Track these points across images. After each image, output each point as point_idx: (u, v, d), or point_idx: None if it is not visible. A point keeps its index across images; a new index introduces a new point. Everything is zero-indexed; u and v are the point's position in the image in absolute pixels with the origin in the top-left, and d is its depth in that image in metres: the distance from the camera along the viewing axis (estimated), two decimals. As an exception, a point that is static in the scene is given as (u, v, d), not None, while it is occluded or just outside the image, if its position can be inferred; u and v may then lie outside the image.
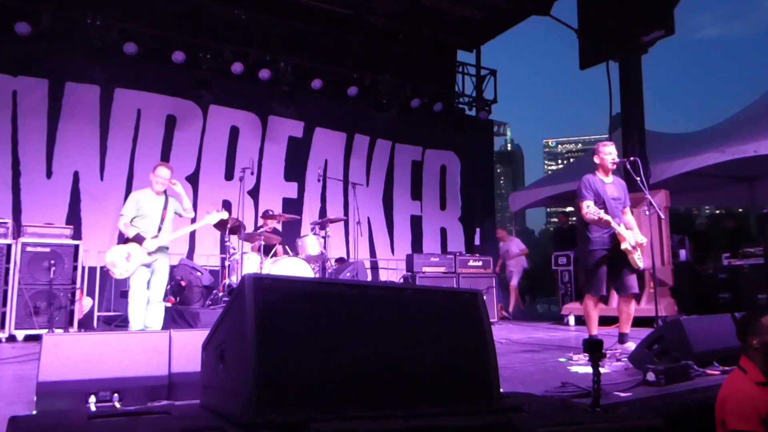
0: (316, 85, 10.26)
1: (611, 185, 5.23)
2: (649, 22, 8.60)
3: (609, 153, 5.22)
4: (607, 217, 4.89)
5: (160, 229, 5.72)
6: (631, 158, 5.41)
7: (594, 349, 2.27)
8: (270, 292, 1.80)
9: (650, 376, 3.59)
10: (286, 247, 8.09)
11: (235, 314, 1.90)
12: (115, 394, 2.91)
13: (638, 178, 5.24)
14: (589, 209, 4.92)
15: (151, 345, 3.09)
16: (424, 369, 1.99)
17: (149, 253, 5.59)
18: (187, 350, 3.06)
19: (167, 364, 3.05)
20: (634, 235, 5.13)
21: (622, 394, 3.33)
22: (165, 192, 5.90)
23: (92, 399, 2.87)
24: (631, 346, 4.99)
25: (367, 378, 1.89)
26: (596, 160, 5.31)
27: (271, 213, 8.41)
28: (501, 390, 2.44)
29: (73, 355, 2.94)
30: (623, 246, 4.97)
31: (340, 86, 10.63)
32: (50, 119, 8.62)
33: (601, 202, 5.11)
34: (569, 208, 12.90)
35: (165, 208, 5.83)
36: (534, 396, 2.77)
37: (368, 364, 1.89)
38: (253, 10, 10.06)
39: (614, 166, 5.25)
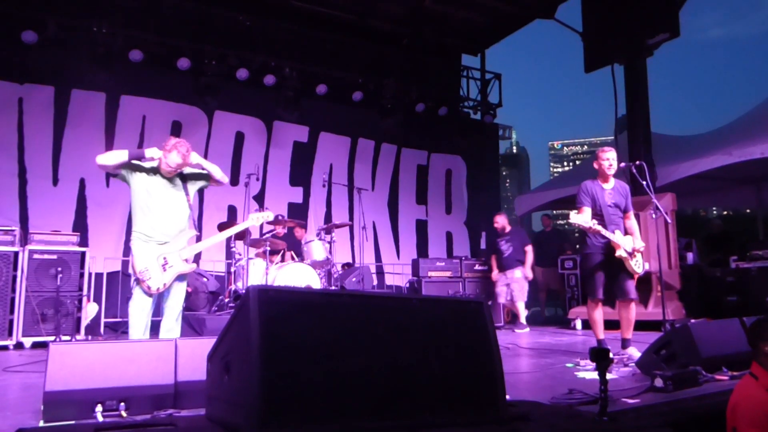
0: (320, 90, 10.28)
1: (610, 191, 5.21)
2: (654, 24, 8.58)
3: (606, 159, 5.19)
4: (597, 227, 4.89)
5: (199, 227, 4.44)
6: (637, 162, 5.39)
7: (601, 358, 2.26)
8: (275, 304, 1.79)
9: (658, 382, 3.57)
10: (292, 252, 8.10)
11: (239, 326, 1.89)
12: (122, 403, 2.92)
13: (644, 182, 5.23)
14: (577, 219, 4.90)
15: (157, 354, 3.10)
16: (429, 379, 1.98)
17: (186, 260, 4.31)
18: (193, 359, 3.06)
19: (173, 372, 3.06)
20: (633, 241, 5.11)
21: (630, 401, 3.31)
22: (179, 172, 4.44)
23: (99, 408, 2.88)
24: (633, 351, 4.98)
25: (373, 388, 1.89)
26: (595, 165, 5.31)
27: (281, 218, 8.42)
28: (507, 397, 2.43)
29: (79, 364, 2.95)
30: (617, 253, 4.98)
31: (345, 91, 10.64)
32: (56, 126, 8.67)
33: (598, 208, 5.12)
34: (555, 212, 12.78)
35: (186, 193, 4.47)
36: (541, 404, 2.76)
37: (373, 374, 1.89)
38: (258, 16, 10.11)
39: (611, 172, 5.21)
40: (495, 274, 8.64)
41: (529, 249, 8.45)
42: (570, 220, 4.91)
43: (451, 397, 2.00)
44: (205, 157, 9.65)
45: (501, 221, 8.68)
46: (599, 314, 5.22)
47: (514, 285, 8.36)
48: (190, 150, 4.32)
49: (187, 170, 4.46)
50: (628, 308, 5.17)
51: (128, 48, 8.71)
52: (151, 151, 4.24)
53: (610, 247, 5.04)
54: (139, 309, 4.18)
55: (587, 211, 5.06)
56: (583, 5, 9.72)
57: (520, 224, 12.59)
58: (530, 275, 8.45)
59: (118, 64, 8.64)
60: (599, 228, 4.89)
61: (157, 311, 4.34)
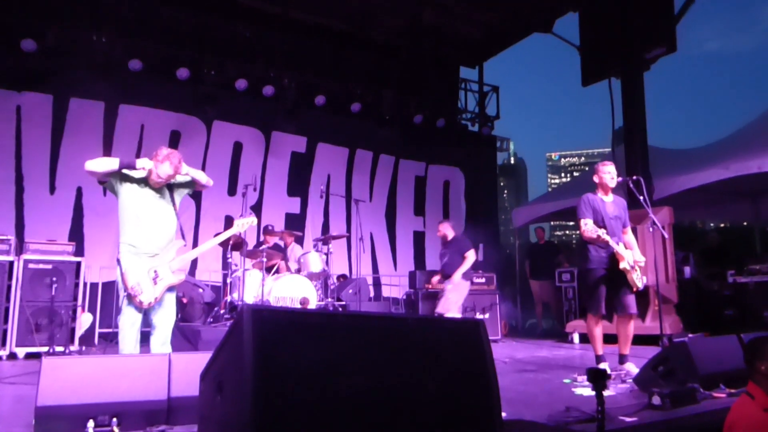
0: (319, 101, 10.31)
1: (611, 204, 5.23)
2: (651, 39, 8.62)
3: (608, 173, 5.23)
4: (606, 237, 4.88)
5: (196, 237, 4.28)
6: (634, 177, 5.40)
7: (598, 378, 2.24)
8: (268, 324, 1.77)
9: (656, 400, 3.55)
10: (288, 263, 8.08)
11: (233, 345, 1.87)
12: (114, 419, 2.89)
13: (641, 197, 5.22)
14: (587, 227, 4.91)
15: (150, 368, 3.07)
16: (425, 400, 1.96)
17: (175, 271, 4.21)
18: (186, 374, 3.04)
19: (166, 387, 3.03)
20: (633, 255, 5.12)
21: (627, 419, 3.29)
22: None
23: (90, 423, 2.85)
24: (630, 367, 4.96)
25: (368, 410, 1.86)
26: (595, 179, 5.32)
27: (271, 228, 8.40)
28: (504, 415, 2.41)
29: (72, 378, 2.93)
30: (622, 265, 4.95)
31: (343, 102, 10.67)
32: (54, 135, 8.66)
33: (600, 221, 5.11)
34: (553, 223, 12.69)
35: (173, 202, 4.37)
36: (537, 424, 2.74)
37: (368, 395, 1.87)
38: (257, 27, 10.16)
39: (612, 184, 5.24)
40: (434, 282, 7.85)
41: (468, 255, 7.44)
42: (582, 230, 4.92)
43: (447, 419, 1.98)
44: (203, 166, 9.75)
45: (441, 230, 7.83)
46: (600, 330, 5.20)
47: (441, 296, 7.46)
48: (181, 161, 4.25)
49: (173, 179, 4.35)
50: (628, 323, 5.15)
51: (128, 57, 8.73)
52: (142, 162, 4.15)
53: (613, 259, 5.02)
54: (129, 324, 4.07)
55: (589, 222, 5.05)
56: (581, 19, 9.77)
57: (517, 236, 12.55)
58: (455, 281, 7.35)
59: (117, 73, 8.66)
60: (607, 238, 4.88)
61: (145, 322, 4.20)
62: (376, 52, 11.61)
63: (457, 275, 7.38)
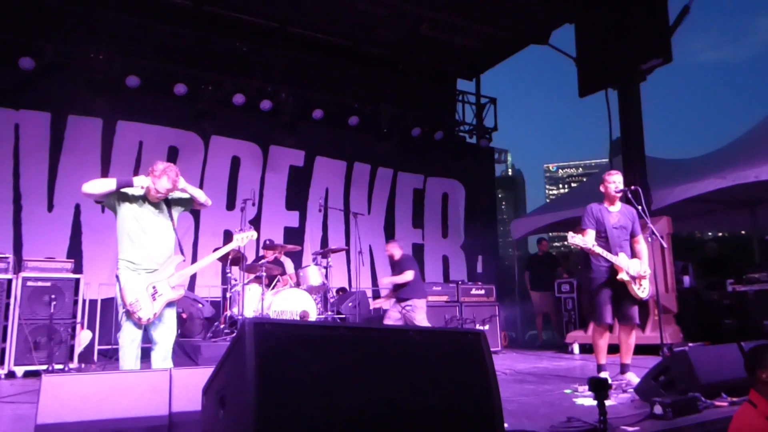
0: (317, 115, 10.34)
1: (616, 214, 5.24)
2: (647, 50, 8.68)
3: (613, 182, 5.25)
4: (598, 250, 4.89)
5: (195, 253, 4.28)
6: (632, 187, 5.41)
7: (600, 388, 2.24)
8: (270, 337, 1.77)
9: (657, 410, 3.55)
10: (287, 277, 8.07)
11: (235, 359, 1.87)
12: (115, 436, 2.88)
13: (639, 207, 5.24)
14: (575, 239, 4.89)
15: (151, 384, 3.06)
16: (427, 412, 1.95)
17: (174, 287, 4.18)
18: (188, 389, 3.02)
19: (167, 403, 3.02)
20: (640, 265, 5.09)
21: (629, 429, 3.28)
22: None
23: (91, 441, 2.84)
24: (631, 377, 4.95)
25: (370, 422, 1.86)
26: (602, 188, 5.34)
27: (269, 243, 8.40)
28: (506, 426, 2.40)
29: (72, 396, 2.91)
30: (619, 276, 4.96)
31: (341, 116, 10.70)
32: (52, 152, 8.66)
33: (602, 231, 5.12)
34: (551, 234, 12.72)
35: (171, 218, 4.37)
36: (540, 435, 2.73)
37: (370, 408, 1.86)
38: (254, 42, 10.22)
39: (619, 195, 5.25)
40: (380, 300, 7.75)
41: (405, 273, 7.16)
42: (568, 240, 4.90)
43: (449, 430, 1.97)
44: (201, 181, 9.75)
45: (389, 249, 7.65)
46: (605, 341, 5.18)
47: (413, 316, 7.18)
48: (178, 174, 4.24)
49: (171, 195, 4.34)
50: (630, 333, 5.15)
51: (125, 74, 8.77)
52: (139, 180, 4.13)
53: (613, 270, 5.03)
54: (129, 341, 4.04)
55: (591, 233, 5.07)
56: (577, 31, 9.84)
57: (516, 248, 12.55)
58: (383, 283, 7.15)
59: (115, 90, 8.68)
60: (599, 250, 4.89)
61: (146, 338, 4.18)
62: (374, 65, 11.67)
63: (386, 279, 7.46)
